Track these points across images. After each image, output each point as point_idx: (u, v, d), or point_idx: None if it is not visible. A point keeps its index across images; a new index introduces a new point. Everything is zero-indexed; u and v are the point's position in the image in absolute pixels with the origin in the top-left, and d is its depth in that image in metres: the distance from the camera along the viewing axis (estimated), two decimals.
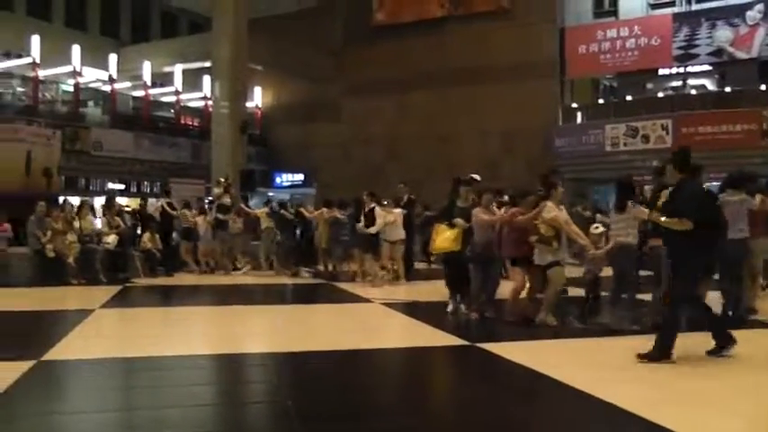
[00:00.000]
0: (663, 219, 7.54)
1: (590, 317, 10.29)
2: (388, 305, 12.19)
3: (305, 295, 14.85)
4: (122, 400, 6.40)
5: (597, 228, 10.87)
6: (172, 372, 7.36)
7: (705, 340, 7.71)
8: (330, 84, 37.88)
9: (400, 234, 15.50)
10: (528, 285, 10.35)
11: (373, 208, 15.31)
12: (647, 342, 7.58)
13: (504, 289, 10.55)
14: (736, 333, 7.78)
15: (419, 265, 18.59)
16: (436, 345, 8.85)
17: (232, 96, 30.06)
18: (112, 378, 7.17)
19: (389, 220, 15.27)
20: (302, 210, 18.39)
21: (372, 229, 15.12)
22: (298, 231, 18.49)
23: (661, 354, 7.36)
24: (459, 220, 10.87)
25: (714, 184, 11.62)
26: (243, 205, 19.16)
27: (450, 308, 11.11)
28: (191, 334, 9.97)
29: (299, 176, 39.69)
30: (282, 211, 17.98)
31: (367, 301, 12.86)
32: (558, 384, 6.59)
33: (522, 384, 6.98)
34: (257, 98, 40.79)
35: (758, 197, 10.96)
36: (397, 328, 10.57)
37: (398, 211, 15.71)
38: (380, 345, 8.97)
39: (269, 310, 12.53)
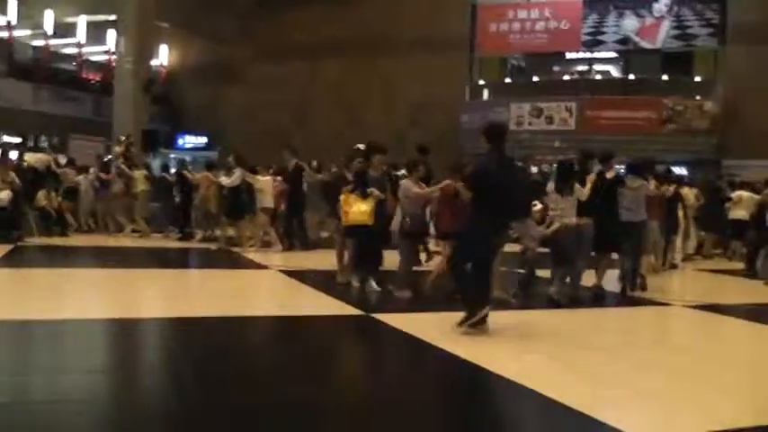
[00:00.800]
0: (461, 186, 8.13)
1: (528, 292, 10.41)
2: (286, 273, 12.10)
3: (200, 260, 14.61)
4: (9, 364, 6.15)
5: (536, 206, 10.77)
6: (64, 336, 7.15)
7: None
8: (238, 47, 37.14)
9: (267, 202, 15.34)
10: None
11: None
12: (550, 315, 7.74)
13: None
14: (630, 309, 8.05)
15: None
16: (332, 313, 8.83)
17: (137, 53, 29.15)
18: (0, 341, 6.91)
19: (257, 187, 15.18)
20: (185, 172, 17.88)
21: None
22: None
23: (471, 311, 7.50)
24: (375, 191, 10.20)
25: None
26: (123, 166, 18.30)
27: (355, 284, 10.51)
28: (84, 297, 9.69)
29: (203, 139, 38.93)
30: (164, 174, 17.57)
31: (264, 267, 12.75)
32: (443, 353, 6.69)
33: (413, 354, 7.05)
34: (163, 57, 39.70)
35: (652, 183, 11.93)
36: (294, 295, 10.48)
37: (267, 178, 15.52)
38: (275, 312, 8.88)
39: (165, 275, 12.32)
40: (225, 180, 15.73)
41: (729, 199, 16.95)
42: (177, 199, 17.87)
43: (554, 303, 9.77)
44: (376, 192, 10.23)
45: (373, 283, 10.33)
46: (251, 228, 15.61)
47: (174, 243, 16.75)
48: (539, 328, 8.46)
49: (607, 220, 10.30)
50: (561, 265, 10.14)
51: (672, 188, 14.38)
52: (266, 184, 15.36)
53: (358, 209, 10.13)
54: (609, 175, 10.72)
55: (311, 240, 15.87)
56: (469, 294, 7.70)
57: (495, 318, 7.81)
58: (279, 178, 15.83)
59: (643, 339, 8.25)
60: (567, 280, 10.30)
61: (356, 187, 10.30)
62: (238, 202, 15.21)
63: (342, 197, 10.37)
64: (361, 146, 11.91)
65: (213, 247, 15.75)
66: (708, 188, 18.18)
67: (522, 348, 7.21)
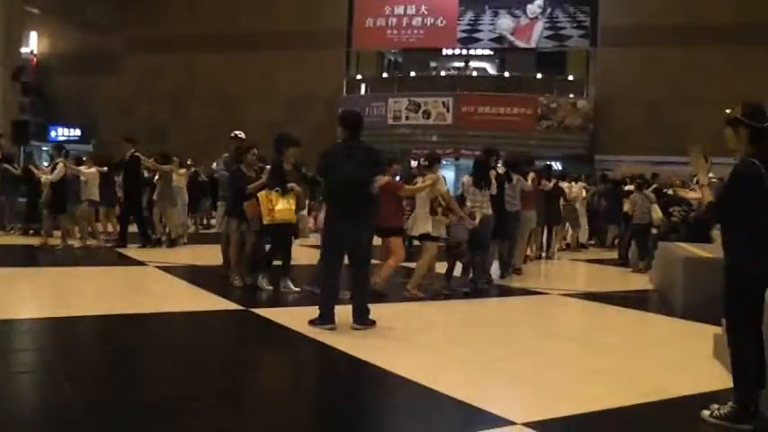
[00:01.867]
0: None
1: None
2: (164, 269, 11.70)
3: (71, 257, 13.94)
4: None
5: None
6: None
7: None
8: (113, 35, 35.98)
9: (92, 195, 14.87)
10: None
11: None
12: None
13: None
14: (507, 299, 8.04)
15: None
16: (213, 309, 8.58)
17: (5, 39, 27.82)
18: None
19: (82, 179, 14.69)
20: (31, 167, 16.93)
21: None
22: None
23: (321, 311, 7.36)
24: (296, 187, 9.64)
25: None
26: None
27: (264, 284, 9.84)
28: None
29: (77, 131, 37.48)
30: (6, 166, 16.64)
31: (141, 263, 12.29)
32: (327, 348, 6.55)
33: (292, 348, 6.90)
34: (33, 44, 38.01)
35: (530, 177, 13.03)
36: (172, 291, 10.10)
37: (92, 170, 15.00)
38: (154, 309, 8.51)
39: (32, 273, 11.67)
40: (45, 177, 14.76)
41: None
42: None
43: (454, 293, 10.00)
44: (296, 187, 9.69)
45: (290, 284, 9.75)
46: (72, 221, 14.87)
47: (21, 239, 15.78)
48: (419, 320, 8.42)
49: (501, 211, 11.11)
50: (478, 253, 10.56)
51: (551, 183, 15.38)
52: (91, 176, 14.81)
53: (283, 206, 9.47)
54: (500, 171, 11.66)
55: (169, 237, 15.22)
56: (325, 293, 7.49)
57: (380, 310, 7.69)
58: (105, 168, 15.24)
59: (521, 328, 8.29)
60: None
61: (274, 183, 9.56)
62: (60, 196, 14.38)
63: (261, 194, 9.57)
64: (239, 133, 11.59)
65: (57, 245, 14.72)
66: (602, 182, 18.88)
67: (398, 339, 7.12)
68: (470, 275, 10.56)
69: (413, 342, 7.06)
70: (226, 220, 10.35)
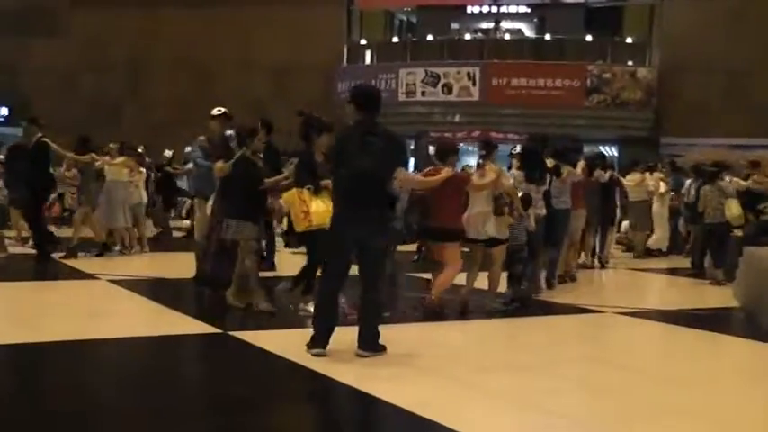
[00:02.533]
0: None
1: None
2: (118, 282, 11.72)
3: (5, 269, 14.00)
4: None
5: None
6: None
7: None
8: None
9: None
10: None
11: None
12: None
13: None
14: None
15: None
16: (183, 332, 8.61)
17: None
18: None
19: None
20: None
21: None
22: None
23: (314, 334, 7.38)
24: (329, 184, 9.02)
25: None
26: None
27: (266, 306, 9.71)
28: None
29: (2, 111, 37.51)
30: None
31: (90, 277, 12.32)
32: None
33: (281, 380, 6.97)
34: None
35: (580, 166, 13.27)
36: (130, 311, 10.13)
37: None
38: (106, 334, 8.52)
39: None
40: None
41: None
42: None
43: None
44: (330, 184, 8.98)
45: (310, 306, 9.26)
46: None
47: None
48: (443, 343, 8.46)
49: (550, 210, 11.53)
50: (532, 259, 10.99)
51: (607, 174, 15.43)
52: None
53: (318, 208, 9.11)
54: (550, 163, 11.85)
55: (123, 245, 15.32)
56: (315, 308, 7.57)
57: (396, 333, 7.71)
58: None
59: (569, 353, 8.28)
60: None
61: (305, 180, 9.39)
62: None
63: (291, 194, 9.43)
64: (222, 110, 11.31)
65: None
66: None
67: (416, 367, 7.16)
68: (516, 288, 10.58)
69: (435, 371, 7.07)
70: (235, 224, 9.94)
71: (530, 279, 11.02)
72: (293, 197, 9.36)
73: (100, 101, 33.54)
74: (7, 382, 6.70)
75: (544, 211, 11.16)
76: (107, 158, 15.38)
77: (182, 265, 11.90)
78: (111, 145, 16.02)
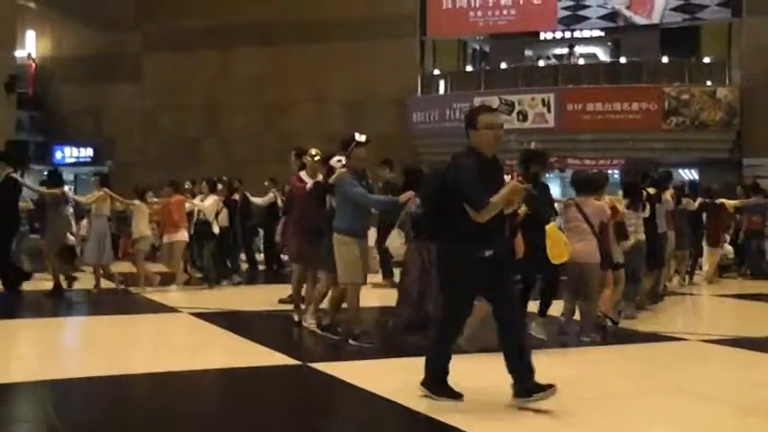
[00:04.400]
0: None
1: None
2: (199, 315, 11.91)
3: (91, 305, 14.28)
4: None
5: None
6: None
7: None
8: (129, 33, 36.71)
9: None
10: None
11: None
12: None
13: None
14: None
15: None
16: (267, 364, 8.72)
17: None
18: None
19: None
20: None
21: None
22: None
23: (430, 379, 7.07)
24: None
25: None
26: None
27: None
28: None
29: (88, 151, 38.30)
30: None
31: (172, 310, 12.54)
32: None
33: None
34: (30, 46, 39.07)
35: (668, 194, 13.85)
36: (214, 344, 10.26)
37: None
38: (192, 366, 8.64)
39: (39, 324, 11.98)
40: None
41: None
42: None
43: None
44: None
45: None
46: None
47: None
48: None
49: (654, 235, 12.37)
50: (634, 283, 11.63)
51: (697, 202, 16.55)
52: None
53: (563, 240, 9.60)
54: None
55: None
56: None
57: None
58: None
59: (655, 384, 8.15)
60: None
61: (543, 208, 9.89)
62: None
63: (552, 227, 9.59)
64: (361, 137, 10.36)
65: None
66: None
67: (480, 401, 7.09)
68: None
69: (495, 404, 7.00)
70: (408, 244, 10.16)
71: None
72: (554, 230, 9.55)
73: (178, 140, 34.09)
74: (98, 414, 6.80)
75: (643, 237, 11.70)
76: (198, 200, 15.83)
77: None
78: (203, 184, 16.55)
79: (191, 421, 6.64)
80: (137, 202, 15.68)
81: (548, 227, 9.44)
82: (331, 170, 10.03)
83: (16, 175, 14.67)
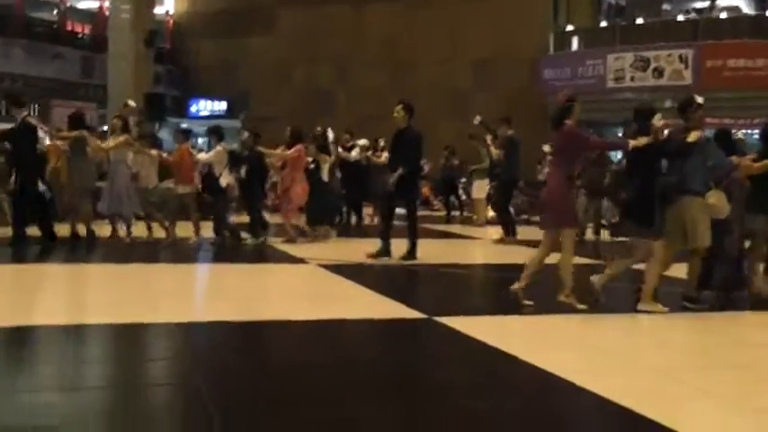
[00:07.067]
0: None
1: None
2: (328, 267, 12.02)
3: (218, 252, 14.55)
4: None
5: None
6: (51, 345, 7.21)
7: None
8: None
9: None
10: None
11: None
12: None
13: None
14: None
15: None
16: (389, 317, 8.71)
17: None
18: None
19: None
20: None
21: None
22: None
23: None
24: None
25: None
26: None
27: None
28: (70, 298, 9.66)
29: (222, 105, 39.04)
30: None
31: (300, 261, 12.68)
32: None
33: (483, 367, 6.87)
34: (169, 3, 39.89)
35: None
36: (337, 295, 10.31)
37: None
38: (320, 316, 8.71)
39: (177, 270, 12.27)
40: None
41: None
42: None
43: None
44: None
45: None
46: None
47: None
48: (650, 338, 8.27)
49: None
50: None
51: None
52: None
53: None
54: None
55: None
56: None
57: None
58: None
59: None
60: None
61: None
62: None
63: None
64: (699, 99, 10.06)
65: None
66: None
67: (635, 363, 6.98)
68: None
69: (647, 365, 6.90)
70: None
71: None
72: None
73: (312, 91, 34.40)
74: (237, 359, 6.89)
75: None
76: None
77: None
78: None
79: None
80: (153, 151, 15.25)
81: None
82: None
83: (32, 119, 14.10)
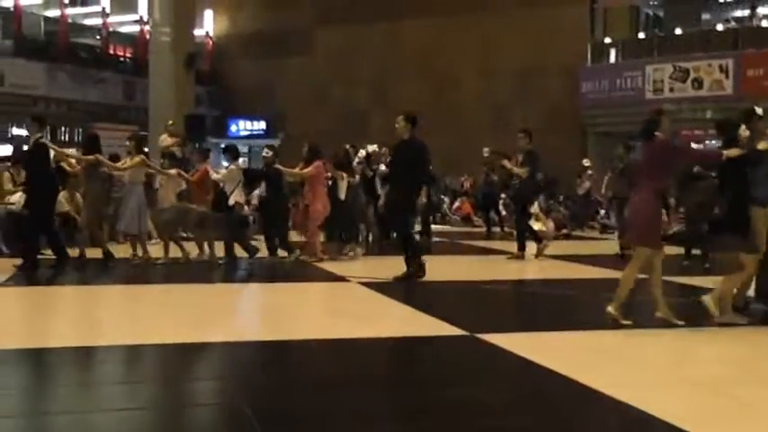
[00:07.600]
0: None
1: None
2: (369, 285, 12.05)
3: (262, 272, 14.64)
4: (34, 401, 6.15)
5: None
6: (97, 367, 7.28)
7: None
8: (300, 9, 37.39)
9: None
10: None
11: None
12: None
13: None
14: None
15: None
16: (431, 334, 8.74)
17: (175, 21, 29.60)
18: (20, 374, 7.00)
19: None
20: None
21: None
22: None
23: None
24: None
25: None
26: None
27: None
28: (120, 319, 9.72)
29: (261, 124, 39.24)
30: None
31: (342, 279, 12.73)
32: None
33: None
34: (208, 25, 40.25)
35: None
36: (382, 313, 10.36)
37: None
38: (362, 334, 8.77)
39: (220, 290, 12.40)
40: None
41: None
42: None
43: None
44: None
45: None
46: None
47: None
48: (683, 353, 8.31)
49: None
50: None
51: None
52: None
53: None
54: None
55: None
56: None
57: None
58: None
59: None
60: None
61: None
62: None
63: None
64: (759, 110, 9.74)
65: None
66: None
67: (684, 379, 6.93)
68: None
69: (694, 381, 6.90)
70: None
71: None
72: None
73: (348, 112, 34.52)
74: (274, 377, 6.94)
75: None
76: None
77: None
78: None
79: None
80: (173, 171, 15.15)
81: None
82: None
83: (45, 140, 13.81)
